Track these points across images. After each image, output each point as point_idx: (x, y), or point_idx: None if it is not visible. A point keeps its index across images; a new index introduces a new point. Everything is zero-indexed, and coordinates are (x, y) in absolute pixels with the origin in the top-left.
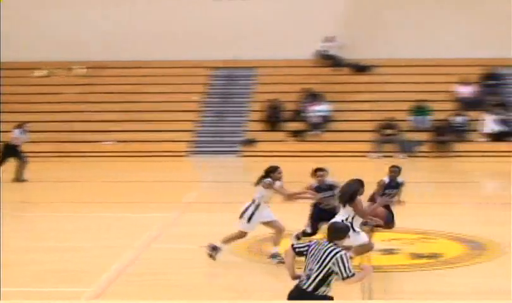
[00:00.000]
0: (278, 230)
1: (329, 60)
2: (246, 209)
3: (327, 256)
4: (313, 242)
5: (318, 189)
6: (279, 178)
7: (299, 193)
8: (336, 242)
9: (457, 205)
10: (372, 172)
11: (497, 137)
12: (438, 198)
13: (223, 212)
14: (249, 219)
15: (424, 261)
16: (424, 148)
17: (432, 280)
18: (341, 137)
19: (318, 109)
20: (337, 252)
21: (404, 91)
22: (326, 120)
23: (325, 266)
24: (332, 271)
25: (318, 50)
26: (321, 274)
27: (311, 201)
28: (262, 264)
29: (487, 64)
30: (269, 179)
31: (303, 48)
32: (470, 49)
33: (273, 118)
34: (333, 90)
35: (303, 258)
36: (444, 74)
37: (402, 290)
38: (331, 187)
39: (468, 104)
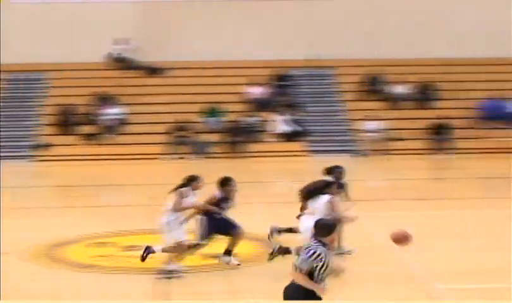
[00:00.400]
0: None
1: (122, 63)
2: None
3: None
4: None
5: (225, 200)
6: (199, 188)
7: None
8: (320, 238)
9: (250, 205)
10: (164, 174)
11: (287, 137)
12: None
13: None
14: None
15: (212, 261)
16: (217, 149)
17: (225, 279)
18: (134, 139)
19: (111, 112)
20: (310, 247)
21: (196, 93)
22: (120, 123)
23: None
24: (316, 267)
25: (110, 53)
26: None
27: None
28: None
29: (278, 66)
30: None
31: (95, 51)
32: (261, 51)
33: (65, 122)
34: (126, 93)
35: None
36: (235, 75)
37: (196, 291)
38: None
39: (259, 105)
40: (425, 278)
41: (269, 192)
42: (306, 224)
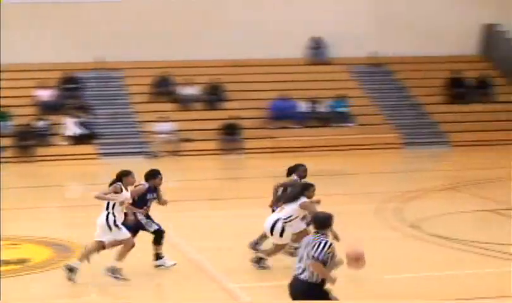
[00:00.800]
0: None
1: None
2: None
3: (313, 243)
4: (308, 237)
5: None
6: (132, 183)
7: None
8: (321, 231)
9: (43, 209)
10: None
11: (78, 140)
12: (25, 203)
13: None
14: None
15: (11, 267)
16: (7, 153)
17: (22, 286)
18: None
19: None
20: (321, 239)
21: None
22: None
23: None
24: (328, 257)
25: None
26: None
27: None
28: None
29: (66, 68)
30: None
31: None
32: (49, 53)
33: None
34: None
35: None
36: (23, 78)
37: None
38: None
39: (49, 108)
40: (224, 278)
41: (62, 195)
42: (271, 220)
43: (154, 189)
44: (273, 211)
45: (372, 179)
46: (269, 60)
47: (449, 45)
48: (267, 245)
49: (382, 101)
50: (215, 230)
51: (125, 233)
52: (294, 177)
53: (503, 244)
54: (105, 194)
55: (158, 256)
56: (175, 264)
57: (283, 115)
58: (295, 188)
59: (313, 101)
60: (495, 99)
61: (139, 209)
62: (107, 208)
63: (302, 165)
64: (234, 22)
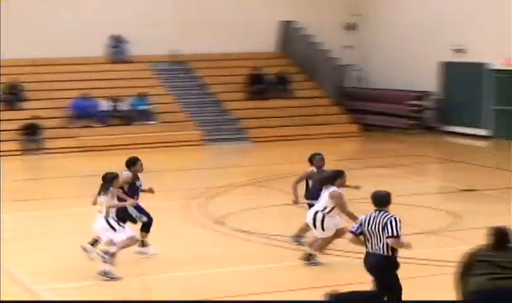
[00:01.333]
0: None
1: None
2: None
3: (383, 221)
4: (363, 217)
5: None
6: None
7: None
8: (383, 208)
9: None
10: None
11: None
12: None
13: None
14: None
15: None
16: None
17: None
18: None
19: None
20: (388, 216)
21: None
22: None
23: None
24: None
25: None
26: (384, 238)
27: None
28: None
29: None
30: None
31: None
32: None
33: None
34: None
35: None
36: None
37: None
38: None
39: None
40: (28, 280)
41: None
42: (311, 213)
43: (137, 177)
44: (310, 206)
45: (176, 176)
46: (70, 58)
47: (249, 43)
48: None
49: (184, 98)
50: (20, 231)
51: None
52: (311, 168)
53: (302, 236)
54: (117, 201)
55: (143, 243)
56: (157, 254)
57: (85, 114)
58: (327, 176)
59: (115, 99)
60: (294, 95)
61: (131, 199)
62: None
63: (318, 154)
64: (32, 21)
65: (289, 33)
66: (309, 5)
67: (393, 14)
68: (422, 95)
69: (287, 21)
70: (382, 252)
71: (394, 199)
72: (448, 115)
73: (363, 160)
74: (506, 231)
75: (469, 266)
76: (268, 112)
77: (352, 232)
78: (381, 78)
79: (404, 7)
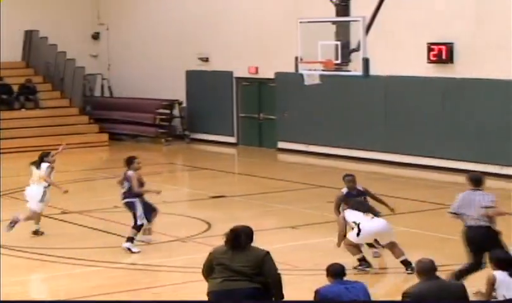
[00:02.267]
0: None
1: None
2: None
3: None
4: (461, 195)
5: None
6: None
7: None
8: (480, 188)
9: None
10: None
11: None
12: None
13: None
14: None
15: None
16: None
17: None
18: None
19: None
20: (488, 196)
21: None
22: None
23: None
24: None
25: None
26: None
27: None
28: None
29: None
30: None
31: None
32: None
33: None
34: None
35: None
36: None
37: None
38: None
39: None
40: None
41: None
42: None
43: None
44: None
45: None
46: None
47: None
48: None
49: None
50: None
51: None
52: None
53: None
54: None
55: (131, 239)
56: (139, 252)
57: None
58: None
59: None
60: (41, 105)
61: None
62: None
63: (349, 175)
64: None
65: (33, 43)
66: (55, 15)
67: (136, 24)
68: (171, 103)
69: (31, 31)
70: (486, 223)
71: None
72: (196, 123)
73: (111, 169)
74: (240, 232)
75: (209, 269)
76: (15, 123)
77: None
78: (130, 87)
79: (146, 18)
